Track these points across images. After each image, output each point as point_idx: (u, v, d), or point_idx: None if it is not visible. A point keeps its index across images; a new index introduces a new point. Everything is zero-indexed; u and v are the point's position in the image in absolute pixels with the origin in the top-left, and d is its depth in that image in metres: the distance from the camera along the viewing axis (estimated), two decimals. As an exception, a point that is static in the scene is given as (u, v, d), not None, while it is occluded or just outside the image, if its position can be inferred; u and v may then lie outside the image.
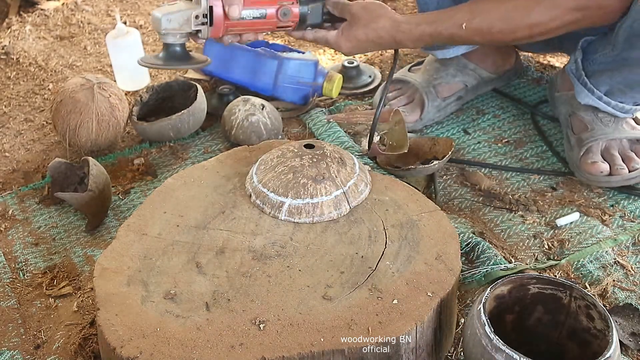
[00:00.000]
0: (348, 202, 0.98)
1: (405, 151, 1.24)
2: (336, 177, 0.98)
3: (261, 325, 0.81)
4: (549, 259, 1.13)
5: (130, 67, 1.62)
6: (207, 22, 1.09)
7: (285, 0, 1.15)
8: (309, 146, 1.02)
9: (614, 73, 1.20)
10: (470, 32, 1.15)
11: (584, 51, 1.27)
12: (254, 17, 1.12)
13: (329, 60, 1.75)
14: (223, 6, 1.08)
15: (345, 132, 1.39)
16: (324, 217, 0.97)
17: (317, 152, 1.01)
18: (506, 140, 1.40)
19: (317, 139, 1.29)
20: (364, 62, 1.68)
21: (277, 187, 0.98)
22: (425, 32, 1.17)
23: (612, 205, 1.22)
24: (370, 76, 1.61)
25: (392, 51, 1.35)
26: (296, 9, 1.16)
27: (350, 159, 1.03)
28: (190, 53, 1.13)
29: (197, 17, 1.07)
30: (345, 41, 1.18)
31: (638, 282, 1.07)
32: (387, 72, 1.65)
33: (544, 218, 1.21)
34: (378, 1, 1.20)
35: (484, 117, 1.46)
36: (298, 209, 0.97)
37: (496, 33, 1.15)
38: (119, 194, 1.31)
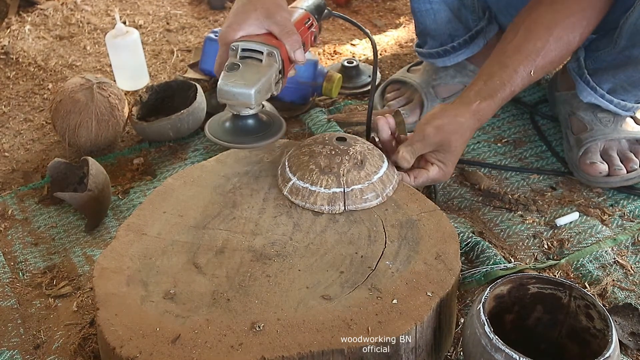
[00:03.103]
0: (344, 203, 0.98)
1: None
2: (343, 175, 0.98)
3: (261, 325, 0.81)
4: (548, 258, 1.13)
5: (129, 67, 1.62)
6: (281, 77, 1.00)
7: (311, 24, 1.10)
8: (341, 139, 1.02)
9: (617, 71, 1.20)
10: (538, 73, 1.13)
11: (586, 49, 1.27)
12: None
13: (328, 60, 1.76)
14: (287, 53, 1.00)
15: (345, 131, 1.38)
16: (316, 207, 0.98)
17: (341, 146, 1.01)
18: (506, 140, 1.40)
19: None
20: (364, 62, 1.68)
21: (293, 164, 1.01)
22: (503, 97, 1.12)
23: (611, 205, 1.23)
24: (369, 76, 1.61)
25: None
26: (316, 28, 1.12)
27: (373, 166, 1.00)
28: (264, 118, 1.02)
29: (275, 75, 0.99)
30: (450, 167, 1.12)
31: (637, 281, 1.07)
32: (387, 72, 1.65)
33: (543, 218, 1.21)
34: (436, 110, 1.12)
35: (483, 116, 1.45)
36: (297, 189, 0.99)
37: (558, 61, 1.15)
38: (118, 193, 1.31)
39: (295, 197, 0.99)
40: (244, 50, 0.98)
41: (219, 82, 0.95)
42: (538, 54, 1.11)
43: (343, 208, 0.98)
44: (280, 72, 0.99)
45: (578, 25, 1.12)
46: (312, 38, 1.12)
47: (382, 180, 1.00)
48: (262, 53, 0.97)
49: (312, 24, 1.11)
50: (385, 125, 1.11)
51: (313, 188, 0.98)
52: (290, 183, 1.00)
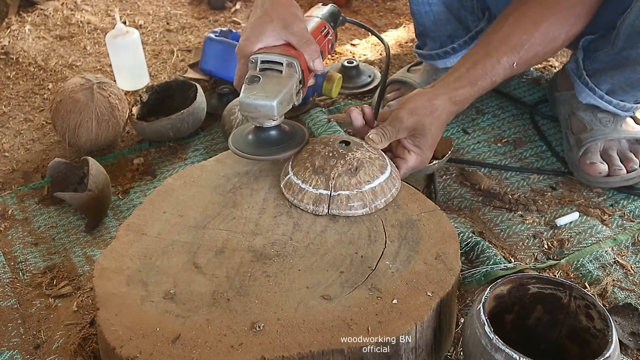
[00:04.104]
0: (329, 206, 0.97)
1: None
2: (332, 179, 0.97)
3: (261, 325, 0.81)
4: (548, 258, 1.13)
5: (129, 67, 1.62)
6: (301, 87, 1.01)
7: (327, 32, 1.11)
8: (346, 143, 1.01)
9: (615, 72, 1.20)
10: (521, 66, 1.12)
11: (584, 50, 1.27)
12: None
13: (328, 60, 1.76)
14: (306, 62, 1.00)
15: (345, 131, 1.39)
16: (302, 205, 0.98)
17: (340, 150, 1.00)
18: (506, 140, 1.40)
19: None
20: (364, 62, 1.68)
21: (295, 159, 1.02)
22: (484, 87, 1.11)
23: (611, 205, 1.23)
24: (369, 76, 1.61)
25: (392, 50, 1.34)
26: (332, 35, 1.14)
27: (368, 176, 0.98)
28: (287, 128, 1.03)
29: (296, 86, 0.99)
30: (428, 152, 1.09)
31: (637, 281, 1.07)
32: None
33: (543, 218, 1.21)
34: (413, 94, 1.10)
35: (483, 116, 1.46)
36: (291, 185, 0.99)
37: (542, 56, 1.15)
38: (118, 193, 1.31)
39: (287, 191, 1.00)
40: (263, 62, 0.98)
41: (240, 96, 0.96)
42: (523, 46, 1.10)
43: (327, 211, 0.97)
44: (300, 82, 1.00)
45: (566, 22, 1.12)
46: (329, 46, 1.13)
47: (374, 191, 0.98)
48: (281, 64, 0.98)
49: (328, 32, 1.12)
50: (358, 115, 1.11)
51: (303, 185, 0.98)
52: (287, 177, 1.01)
